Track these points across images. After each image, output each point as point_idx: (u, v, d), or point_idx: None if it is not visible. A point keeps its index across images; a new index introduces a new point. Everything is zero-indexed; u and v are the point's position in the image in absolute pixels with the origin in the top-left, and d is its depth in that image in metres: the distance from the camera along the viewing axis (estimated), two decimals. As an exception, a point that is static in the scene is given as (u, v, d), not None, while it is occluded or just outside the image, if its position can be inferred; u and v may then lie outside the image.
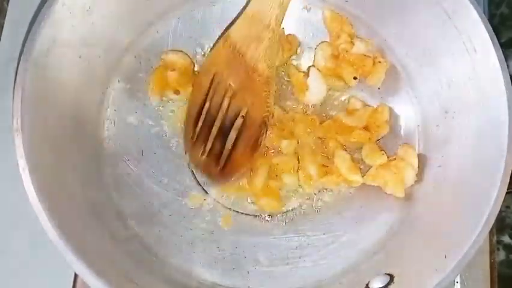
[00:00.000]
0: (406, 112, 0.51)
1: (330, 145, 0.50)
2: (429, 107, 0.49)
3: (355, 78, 0.51)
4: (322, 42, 0.52)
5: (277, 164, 0.49)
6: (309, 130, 0.50)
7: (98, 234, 0.43)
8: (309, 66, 0.52)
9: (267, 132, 0.49)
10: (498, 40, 0.42)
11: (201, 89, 0.48)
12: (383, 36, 0.51)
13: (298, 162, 0.50)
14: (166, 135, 0.51)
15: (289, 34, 0.53)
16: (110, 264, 0.41)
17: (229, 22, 0.53)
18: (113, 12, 0.47)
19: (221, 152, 0.48)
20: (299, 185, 0.50)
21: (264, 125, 0.47)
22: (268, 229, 0.49)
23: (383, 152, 0.49)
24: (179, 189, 0.49)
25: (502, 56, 0.42)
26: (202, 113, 0.48)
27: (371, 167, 0.49)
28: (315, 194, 0.50)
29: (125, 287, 0.40)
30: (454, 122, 0.46)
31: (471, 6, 0.43)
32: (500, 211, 0.39)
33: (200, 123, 0.48)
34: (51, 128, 0.43)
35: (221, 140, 0.48)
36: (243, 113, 0.47)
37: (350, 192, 0.50)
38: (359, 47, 0.51)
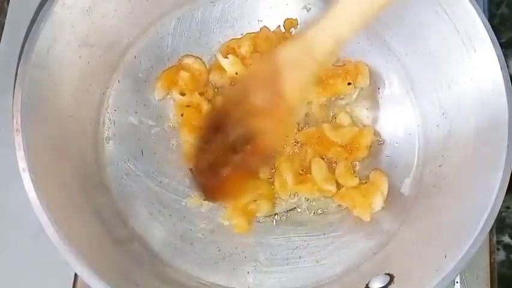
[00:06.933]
0: (406, 112, 0.51)
1: (308, 152, 0.49)
2: (429, 107, 0.49)
3: (349, 84, 0.50)
4: None
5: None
6: (286, 136, 0.49)
7: (98, 234, 0.43)
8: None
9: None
10: (498, 40, 0.42)
11: (229, 99, 0.46)
12: (383, 36, 0.51)
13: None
14: (166, 135, 0.51)
15: (289, 34, 0.53)
16: (110, 264, 0.41)
17: (229, 22, 0.53)
18: (113, 12, 0.47)
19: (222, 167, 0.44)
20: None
21: (270, 157, 0.47)
22: (268, 229, 0.49)
23: (355, 174, 0.49)
24: (179, 189, 0.49)
25: (502, 56, 0.42)
26: (220, 124, 0.44)
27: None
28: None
29: (125, 287, 0.40)
30: (454, 122, 0.46)
31: (471, 7, 0.43)
32: (500, 211, 0.39)
33: (210, 132, 0.45)
34: (51, 128, 0.43)
35: (227, 156, 0.44)
36: (258, 136, 0.43)
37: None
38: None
